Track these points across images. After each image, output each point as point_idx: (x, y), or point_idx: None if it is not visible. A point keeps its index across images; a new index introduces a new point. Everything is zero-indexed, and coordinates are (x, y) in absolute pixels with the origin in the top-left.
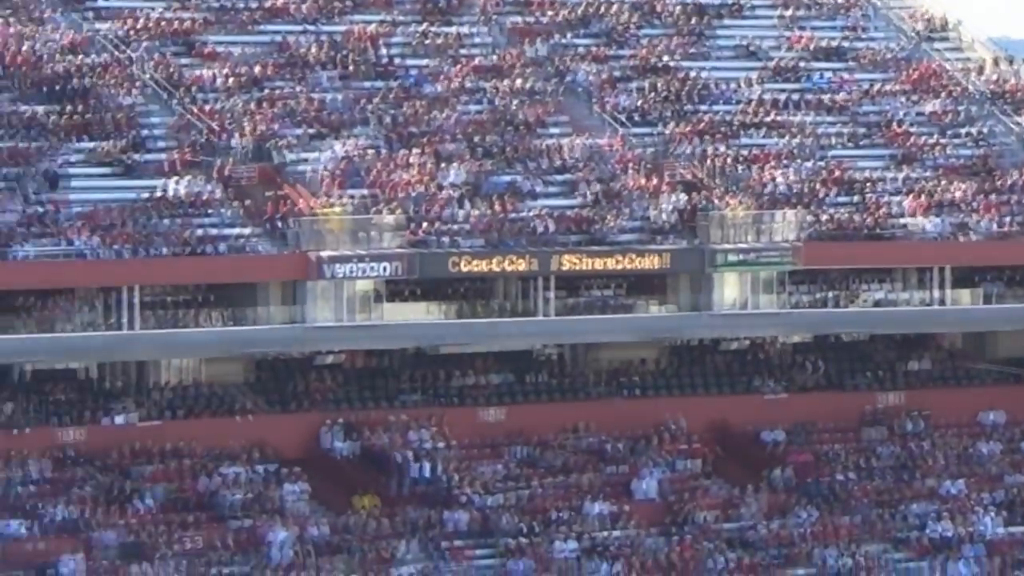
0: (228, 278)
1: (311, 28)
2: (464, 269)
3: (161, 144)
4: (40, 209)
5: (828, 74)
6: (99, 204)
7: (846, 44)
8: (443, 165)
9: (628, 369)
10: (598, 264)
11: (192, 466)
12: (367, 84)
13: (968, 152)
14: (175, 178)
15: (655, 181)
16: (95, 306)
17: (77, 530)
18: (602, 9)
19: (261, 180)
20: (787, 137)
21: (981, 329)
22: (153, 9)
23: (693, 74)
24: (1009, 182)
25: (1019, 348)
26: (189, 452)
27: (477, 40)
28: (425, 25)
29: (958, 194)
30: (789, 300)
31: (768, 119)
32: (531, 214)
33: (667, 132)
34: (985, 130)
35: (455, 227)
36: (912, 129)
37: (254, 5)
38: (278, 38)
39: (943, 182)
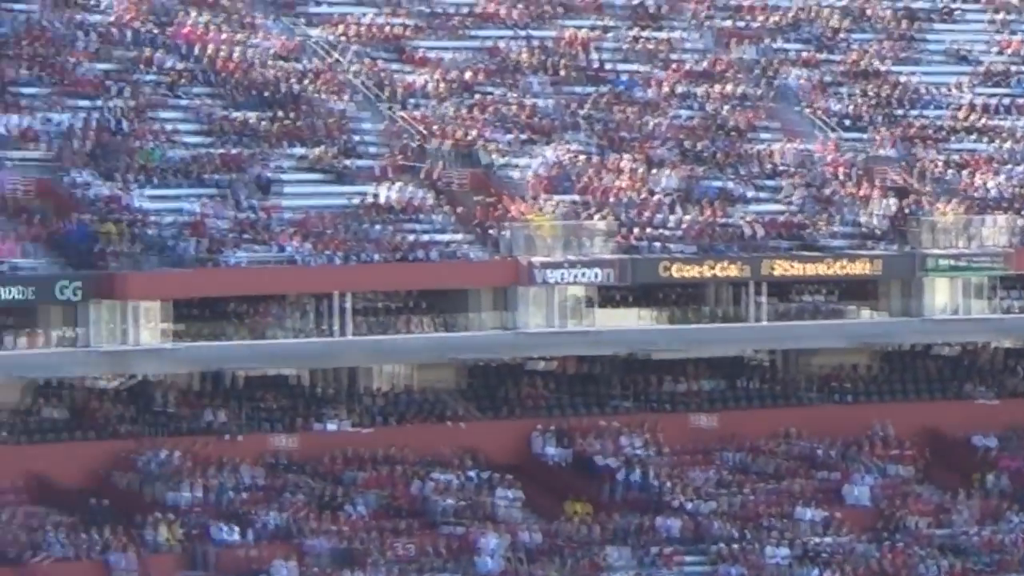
0: (440, 284)
1: (522, 33)
2: (675, 275)
3: (372, 150)
4: (252, 215)
5: None
6: (311, 210)
7: None
8: (654, 170)
9: (839, 374)
10: (809, 269)
11: (404, 472)
12: (578, 89)
13: None
14: (386, 184)
15: (865, 186)
16: (307, 312)
17: (290, 536)
18: (813, 13)
19: (472, 185)
20: (998, 142)
21: None
22: (364, 15)
23: (903, 79)
24: None
25: None
26: (401, 458)
27: (688, 45)
28: (636, 30)
29: None
30: (1000, 305)
31: (979, 124)
32: (742, 219)
33: (877, 137)
34: None
35: (666, 232)
36: None
37: (465, 11)
38: (488, 43)
39: None
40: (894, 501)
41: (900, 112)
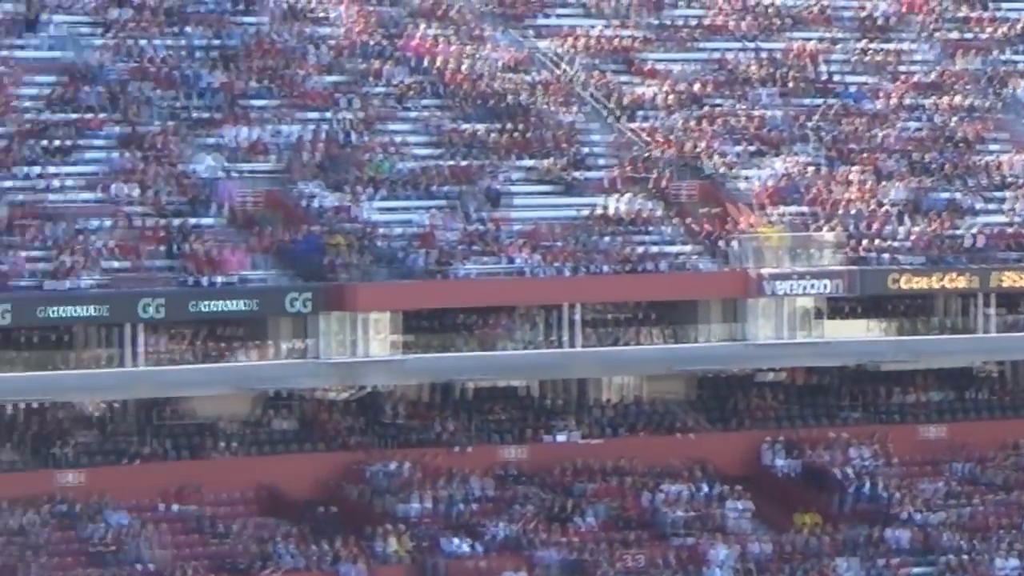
0: (669, 295)
1: (750, 45)
2: (904, 286)
3: (601, 162)
4: (481, 227)
5: None
6: (540, 222)
7: None
8: (883, 182)
9: None
10: None
11: (634, 484)
12: (806, 101)
13: None
14: (615, 195)
15: None
16: (536, 324)
17: (519, 548)
18: None
19: (701, 197)
20: None
21: None
22: (593, 27)
23: None
24: None
25: None
26: (631, 470)
27: (917, 57)
28: (864, 42)
29: None
30: None
31: None
32: (970, 231)
33: None
34: None
35: (895, 244)
36: None
37: (693, 23)
38: (717, 55)
39: None
40: None
41: None
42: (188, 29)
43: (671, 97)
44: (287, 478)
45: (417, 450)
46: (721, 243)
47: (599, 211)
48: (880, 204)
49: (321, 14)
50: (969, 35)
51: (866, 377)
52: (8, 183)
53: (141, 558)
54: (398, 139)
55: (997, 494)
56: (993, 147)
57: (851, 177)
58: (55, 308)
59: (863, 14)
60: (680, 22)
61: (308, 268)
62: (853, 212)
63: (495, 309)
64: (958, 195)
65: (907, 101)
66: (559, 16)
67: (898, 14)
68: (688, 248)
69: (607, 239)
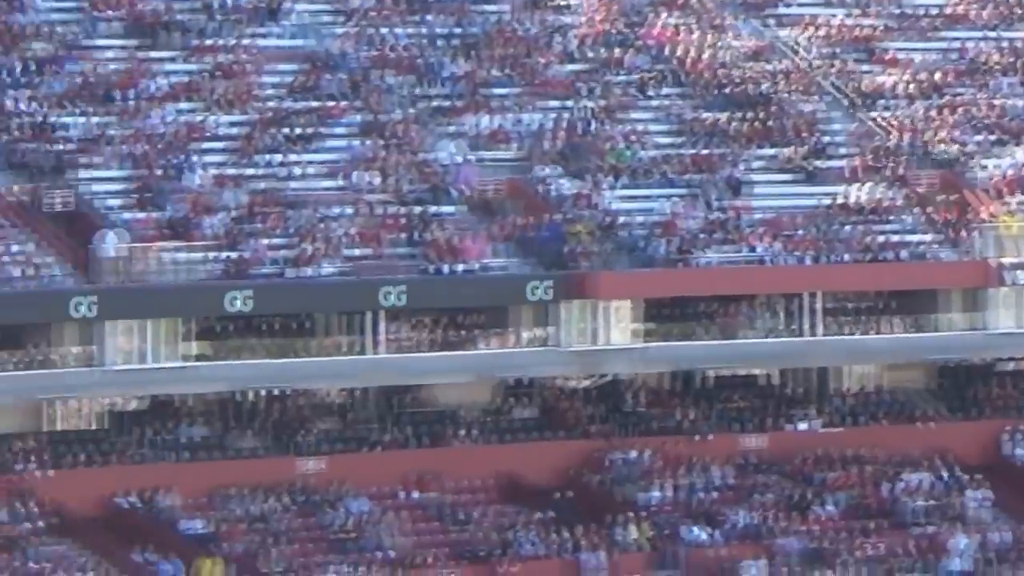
0: (910, 285)
1: (991, 35)
2: None
3: (842, 151)
4: (722, 215)
5: None
6: (781, 211)
7: None
8: None
9: None
10: None
11: (873, 473)
12: None
13: None
14: (856, 185)
15: None
16: (777, 312)
17: (759, 536)
18: None
19: (942, 186)
20: None
21: None
22: (834, 16)
23: None
24: None
25: None
26: (871, 459)
27: None
28: None
29: None
30: None
31: None
32: None
33: None
34: None
35: None
36: None
37: (935, 12)
38: (957, 44)
39: None
40: None
41: None
42: (429, 17)
43: (911, 86)
44: (527, 466)
45: (657, 438)
46: (962, 232)
47: (840, 200)
48: None
49: (562, 3)
50: None
51: None
52: (250, 171)
53: (381, 545)
54: (639, 127)
55: None
56: None
57: None
58: (296, 295)
59: None
60: (921, 11)
61: (549, 256)
62: None
63: (735, 297)
64: None
65: None
66: (800, 5)
67: None
68: (928, 237)
69: (848, 228)
